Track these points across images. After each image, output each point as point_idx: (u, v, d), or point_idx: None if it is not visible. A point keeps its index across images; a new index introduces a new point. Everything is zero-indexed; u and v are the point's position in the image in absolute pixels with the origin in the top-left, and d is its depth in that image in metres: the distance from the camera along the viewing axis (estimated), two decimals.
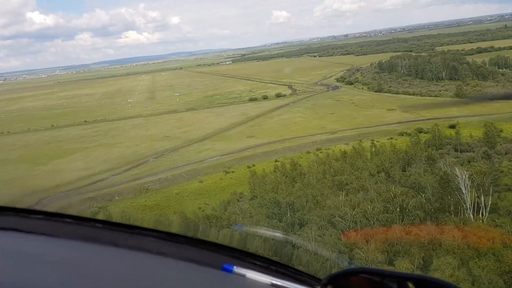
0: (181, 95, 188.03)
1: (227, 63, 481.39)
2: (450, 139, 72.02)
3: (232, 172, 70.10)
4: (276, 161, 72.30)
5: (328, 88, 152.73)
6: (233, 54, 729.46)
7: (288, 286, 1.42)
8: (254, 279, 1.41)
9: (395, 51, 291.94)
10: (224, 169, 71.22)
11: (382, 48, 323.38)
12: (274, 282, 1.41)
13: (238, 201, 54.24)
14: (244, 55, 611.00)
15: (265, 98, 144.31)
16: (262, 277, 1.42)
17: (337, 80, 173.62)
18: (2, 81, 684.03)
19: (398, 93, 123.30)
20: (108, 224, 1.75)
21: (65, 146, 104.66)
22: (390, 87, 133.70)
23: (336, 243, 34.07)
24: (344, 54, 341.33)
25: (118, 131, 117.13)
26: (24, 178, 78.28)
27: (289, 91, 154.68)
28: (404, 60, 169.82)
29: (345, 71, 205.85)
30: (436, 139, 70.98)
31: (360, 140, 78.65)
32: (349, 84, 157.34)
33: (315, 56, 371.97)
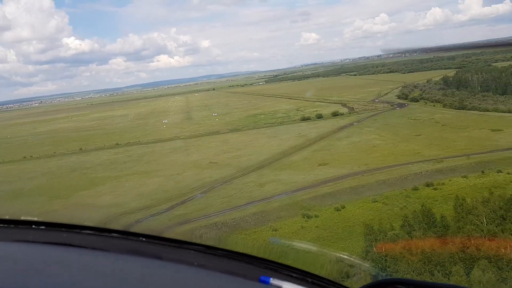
0: (220, 115, 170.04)
1: (260, 83, 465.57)
2: None
3: (316, 216, 49.57)
4: (374, 201, 51.55)
5: (392, 105, 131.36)
6: (264, 76, 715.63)
7: None
8: None
9: (445, 68, 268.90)
10: (303, 211, 50.81)
11: (430, 65, 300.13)
12: None
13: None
14: (277, 75, 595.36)
15: (319, 117, 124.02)
16: None
17: (398, 97, 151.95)
18: (37, 104, 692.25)
19: (488, 111, 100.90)
20: (151, 238, 1.80)
21: (92, 174, 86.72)
22: (470, 103, 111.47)
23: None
24: (387, 72, 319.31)
25: (154, 155, 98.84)
26: (36, 215, 59.91)
27: (345, 110, 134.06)
28: (476, 74, 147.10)
29: (400, 88, 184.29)
30: None
31: (483, 171, 57.12)
32: (415, 101, 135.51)
33: (355, 75, 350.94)
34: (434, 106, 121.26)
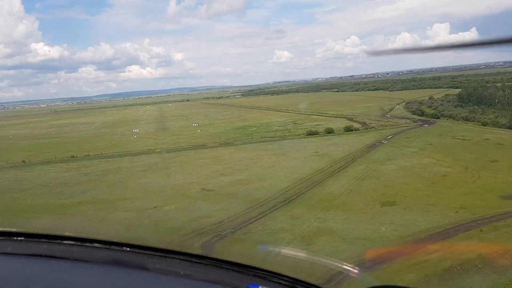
0: (201, 126, 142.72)
1: (236, 96, 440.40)
2: None
3: None
4: None
5: (415, 121, 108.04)
6: (239, 90, 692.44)
7: None
8: None
9: (436, 87, 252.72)
10: None
11: (414, 85, 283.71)
12: None
13: None
14: (253, 90, 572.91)
15: (330, 132, 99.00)
16: None
17: (413, 112, 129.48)
18: (0, 110, 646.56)
19: None
20: (135, 247, 1.73)
21: (26, 200, 57.79)
22: None
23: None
24: (372, 90, 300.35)
25: (121, 175, 70.64)
26: (15, 226, 31.37)
27: (356, 124, 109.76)
28: (499, 90, 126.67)
29: (403, 104, 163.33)
30: None
31: None
32: (435, 118, 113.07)
33: (337, 91, 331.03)
34: (467, 124, 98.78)
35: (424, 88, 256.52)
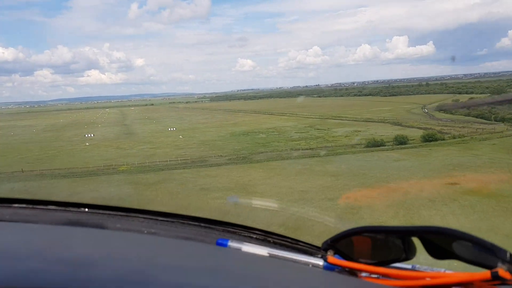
0: (181, 131, 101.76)
1: (205, 101, 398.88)
2: None
3: None
4: None
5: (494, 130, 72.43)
6: (204, 96, 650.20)
7: (286, 256, 1.27)
8: (251, 251, 1.29)
9: (435, 93, 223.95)
10: None
11: (409, 90, 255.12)
12: (271, 253, 1.28)
13: None
14: (219, 96, 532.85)
15: (402, 142, 61.57)
16: (258, 249, 1.30)
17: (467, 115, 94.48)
18: None
19: None
20: (94, 208, 1.60)
21: None
22: None
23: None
24: (358, 95, 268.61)
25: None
26: None
27: (416, 132, 73.06)
28: None
29: (429, 107, 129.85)
30: None
31: None
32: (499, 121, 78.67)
33: (319, 96, 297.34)
34: None
35: (419, 94, 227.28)
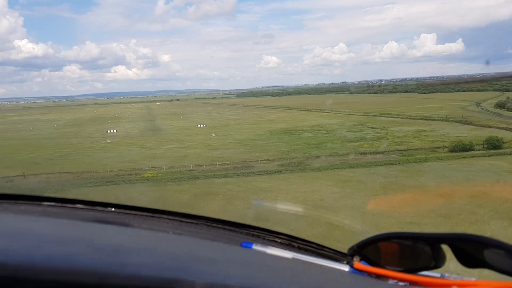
0: (212, 128, 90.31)
1: (230, 97, 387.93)
2: None
3: None
4: None
5: None
6: (229, 93, 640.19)
7: (311, 261, 1.27)
8: (275, 254, 1.29)
9: (479, 90, 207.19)
10: None
11: (452, 88, 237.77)
12: (295, 257, 1.28)
13: None
14: (245, 92, 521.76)
15: (497, 146, 47.98)
16: (283, 253, 1.30)
17: None
18: None
19: None
20: (121, 208, 1.63)
21: None
22: None
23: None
24: (393, 92, 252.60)
25: None
26: None
27: (488, 132, 59.36)
28: None
29: (486, 103, 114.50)
30: None
31: None
32: None
33: (351, 93, 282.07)
34: None
35: (460, 92, 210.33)
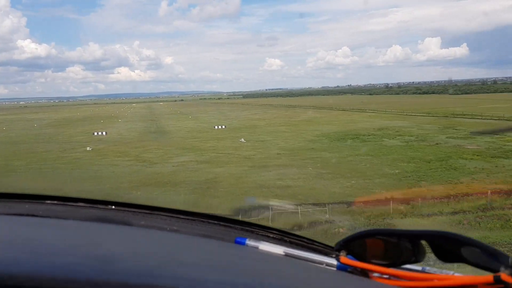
0: (234, 130, 65.50)
1: (236, 98, 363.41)
2: None
3: None
4: None
5: None
6: (233, 94, 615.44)
7: (301, 255, 1.34)
8: (267, 250, 1.35)
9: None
10: None
11: (489, 88, 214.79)
12: (287, 252, 1.34)
13: None
14: (250, 94, 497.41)
15: None
16: (275, 248, 1.36)
17: None
18: None
19: None
20: (120, 205, 1.68)
21: None
22: None
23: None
24: (417, 93, 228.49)
25: None
26: None
27: None
28: None
29: None
30: None
31: None
32: None
33: (370, 94, 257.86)
34: None
35: (497, 93, 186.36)
